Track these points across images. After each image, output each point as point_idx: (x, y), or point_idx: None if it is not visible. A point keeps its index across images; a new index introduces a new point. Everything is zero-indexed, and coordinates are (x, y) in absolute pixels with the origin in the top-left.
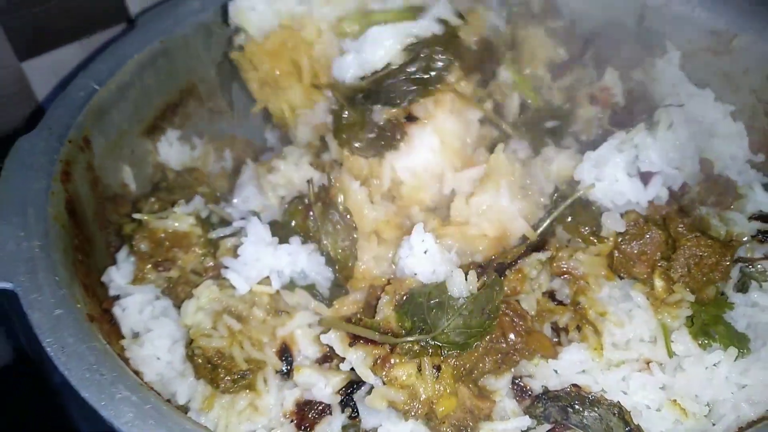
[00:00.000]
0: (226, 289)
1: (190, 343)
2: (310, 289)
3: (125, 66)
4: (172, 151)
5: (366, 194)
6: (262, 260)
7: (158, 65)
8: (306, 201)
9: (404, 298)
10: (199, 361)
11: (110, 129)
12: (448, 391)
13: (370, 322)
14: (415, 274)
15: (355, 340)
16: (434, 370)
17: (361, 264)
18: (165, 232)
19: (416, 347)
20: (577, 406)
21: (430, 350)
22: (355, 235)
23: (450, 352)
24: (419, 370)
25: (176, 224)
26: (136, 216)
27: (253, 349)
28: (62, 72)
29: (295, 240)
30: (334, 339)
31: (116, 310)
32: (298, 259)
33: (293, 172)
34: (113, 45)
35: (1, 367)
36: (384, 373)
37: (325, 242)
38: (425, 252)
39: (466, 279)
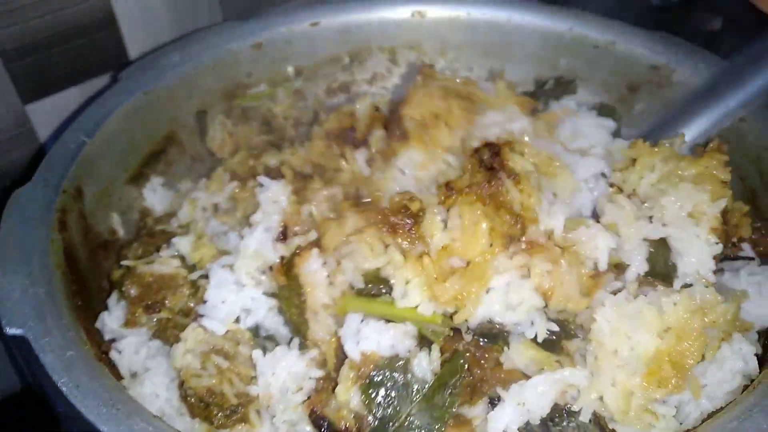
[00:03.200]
0: (211, 330)
1: (182, 384)
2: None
3: (111, 117)
4: (156, 197)
5: (325, 276)
6: (228, 301)
7: (142, 116)
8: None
9: (371, 375)
10: (192, 400)
11: (100, 178)
12: None
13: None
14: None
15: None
16: None
17: (312, 333)
18: (152, 275)
19: None
20: (557, 419)
21: None
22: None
23: None
24: None
25: (162, 267)
26: (124, 263)
27: (242, 384)
28: (64, 114)
29: (258, 291)
30: None
31: (113, 354)
32: (259, 311)
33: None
34: (99, 99)
35: (9, 395)
36: None
37: (282, 306)
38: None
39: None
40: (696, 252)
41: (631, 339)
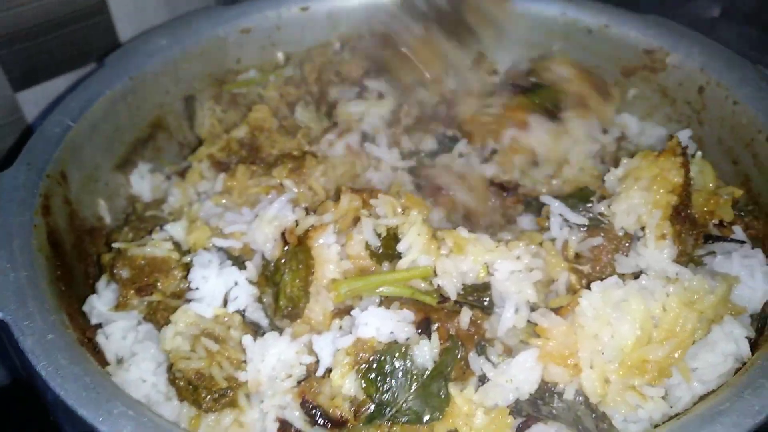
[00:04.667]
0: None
1: (170, 367)
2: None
3: (97, 103)
4: (144, 183)
5: (337, 251)
6: (210, 284)
7: (128, 101)
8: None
9: (371, 361)
10: (181, 383)
11: (85, 163)
12: None
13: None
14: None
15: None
16: None
17: (308, 311)
18: (144, 258)
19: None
20: (546, 397)
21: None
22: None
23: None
24: None
25: (155, 250)
26: (116, 245)
27: (231, 367)
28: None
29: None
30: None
31: (99, 339)
32: (242, 297)
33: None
34: (84, 83)
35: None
36: None
37: (285, 277)
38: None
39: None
40: (653, 259)
41: (612, 326)
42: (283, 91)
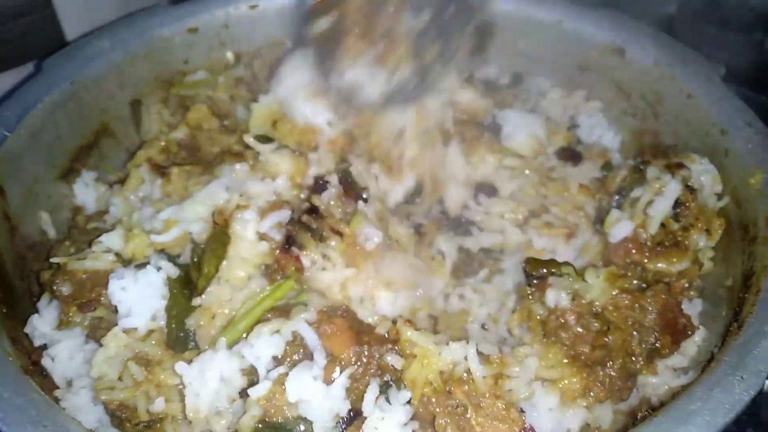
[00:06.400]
0: (133, 332)
1: None
2: None
3: (34, 110)
4: (88, 193)
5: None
6: (131, 293)
7: (69, 107)
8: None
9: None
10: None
11: (24, 175)
12: None
13: None
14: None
15: None
16: None
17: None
18: (85, 272)
19: None
20: None
21: None
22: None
23: None
24: None
25: (96, 263)
26: (54, 260)
27: (160, 398)
28: None
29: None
30: None
31: (45, 361)
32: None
33: None
34: (20, 90)
35: None
36: None
37: (206, 256)
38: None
39: None
40: None
41: None
42: (233, 93)
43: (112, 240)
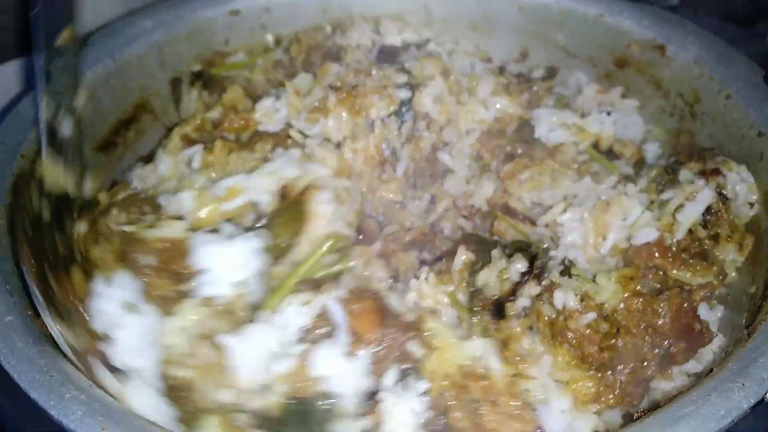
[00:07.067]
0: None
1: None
2: None
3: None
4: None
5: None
6: (220, 259)
7: (111, 83)
8: None
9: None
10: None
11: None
12: None
13: None
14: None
15: None
16: None
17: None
18: (164, 240)
19: None
20: None
21: None
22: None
23: None
24: None
25: (171, 231)
26: (126, 228)
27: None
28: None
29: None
30: None
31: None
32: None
33: None
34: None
35: None
36: None
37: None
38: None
39: None
40: None
41: None
42: (270, 76)
43: (184, 201)
